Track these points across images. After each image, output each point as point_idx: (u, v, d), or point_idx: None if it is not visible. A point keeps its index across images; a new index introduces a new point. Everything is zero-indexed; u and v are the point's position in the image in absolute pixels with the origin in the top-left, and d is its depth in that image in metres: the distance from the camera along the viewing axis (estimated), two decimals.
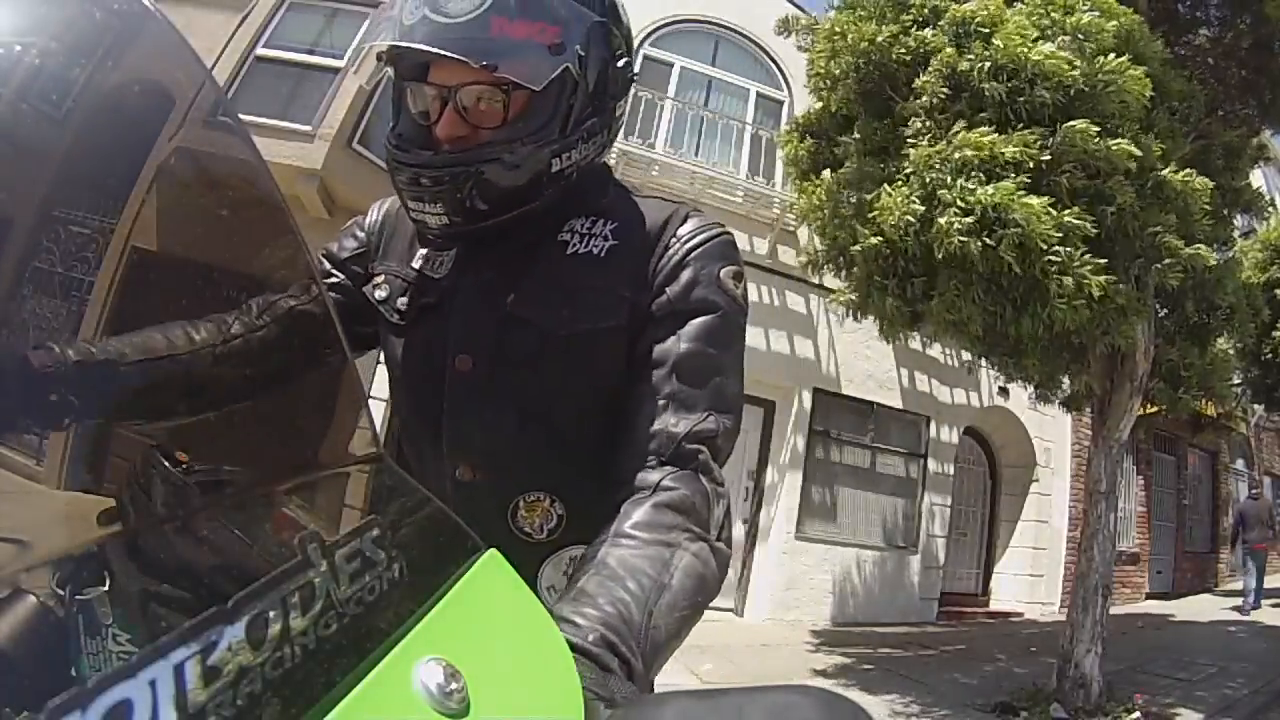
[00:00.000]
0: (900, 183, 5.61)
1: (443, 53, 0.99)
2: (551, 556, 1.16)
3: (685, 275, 1.11)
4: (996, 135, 5.31)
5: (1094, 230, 5.13)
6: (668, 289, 1.11)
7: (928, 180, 5.35)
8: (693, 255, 1.12)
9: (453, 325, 1.15)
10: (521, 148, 1.07)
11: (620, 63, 1.15)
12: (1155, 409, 8.61)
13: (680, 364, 1.07)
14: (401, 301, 1.22)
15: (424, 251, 1.24)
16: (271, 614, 0.50)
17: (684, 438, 1.05)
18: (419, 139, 1.11)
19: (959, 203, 5.14)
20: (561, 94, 1.07)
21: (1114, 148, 5.16)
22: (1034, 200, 5.04)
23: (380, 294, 1.24)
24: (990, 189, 5.09)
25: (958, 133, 5.43)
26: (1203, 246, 5.69)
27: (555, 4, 1.05)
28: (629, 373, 1.10)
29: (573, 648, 0.77)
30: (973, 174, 5.22)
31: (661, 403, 1.06)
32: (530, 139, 1.07)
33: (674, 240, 1.14)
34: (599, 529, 0.97)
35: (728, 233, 1.19)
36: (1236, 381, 11.62)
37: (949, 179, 5.25)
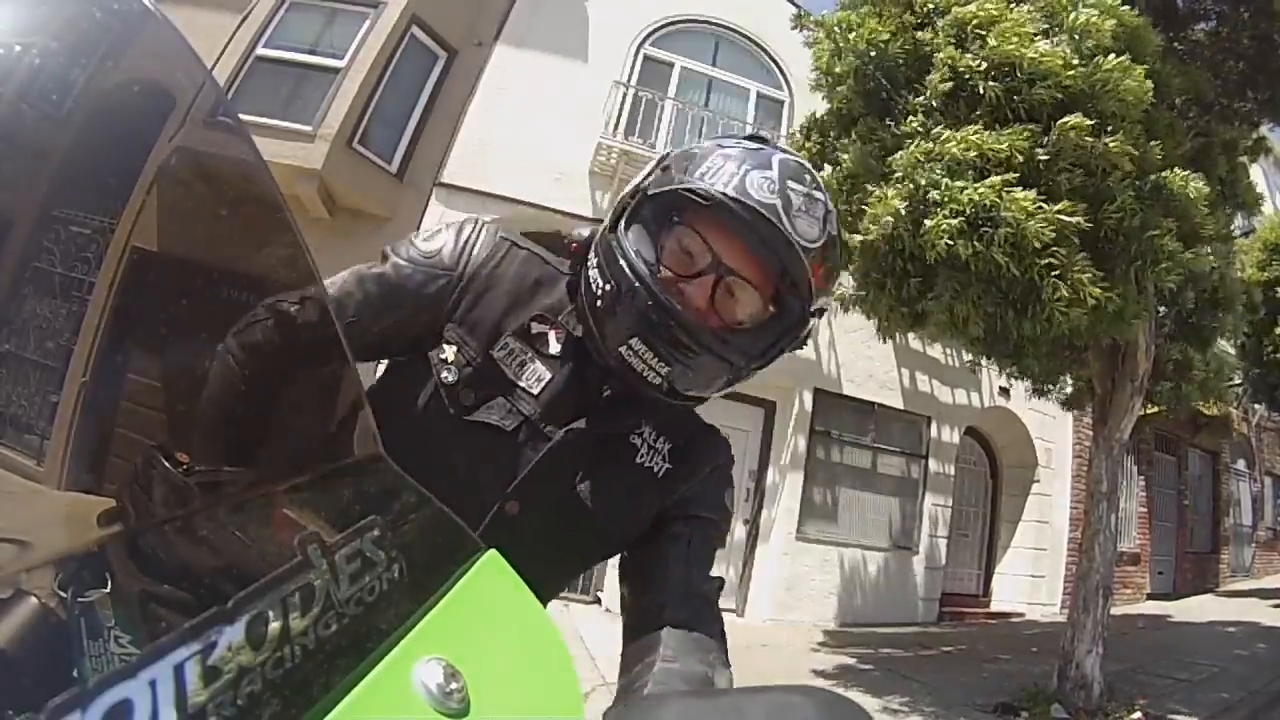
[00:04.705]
0: (892, 184, 5.61)
1: (795, 259, 1.06)
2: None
3: (710, 497, 1.30)
4: (986, 133, 5.31)
5: (1088, 225, 5.12)
6: (689, 502, 1.26)
7: (920, 182, 5.34)
8: (717, 483, 1.32)
9: (515, 464, 1.16)
10: (755, 355, 1.15)
11: (809, 335, 1.22)
12: (1156, 409, 8.62)
13: (694, 541, 1.23)
14: (467, 394, 1.15)
15: (511, 343, 1.17)
16: (271, 614, 0.50)
17: (699, 590, 1.19)
18: (670, 287, 1.09)
19: (948, 203, 5.14)
20: (793, 326, 1.15)
21: (1111, 146, 5.16)
22: (1020, 193, 5.03)
23: (448, 376, 1.15)
24: (976, 186, 5.08)
25: (942, 132, 5.43)
26: (1202, 251, 5.69)
27: (839, 267, 1.21)
28: (649, 545, 1.23)
29: None
30: (964, 173, 5.22)
31: (680, 562, 1.20)
32: (762, 350, 1.15)
33: (708, 473, 1.30)
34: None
35: (733, 458, 1.40)
36: (1237, 381, 11.64)
37: (939, 179, 5.25)
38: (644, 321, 1.05)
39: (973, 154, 5.21)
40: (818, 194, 1.09)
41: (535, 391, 1.15)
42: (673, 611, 1.11)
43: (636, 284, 1.06)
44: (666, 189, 1.11)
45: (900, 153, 5.64)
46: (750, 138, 1.18)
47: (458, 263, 1.18)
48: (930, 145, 5.43)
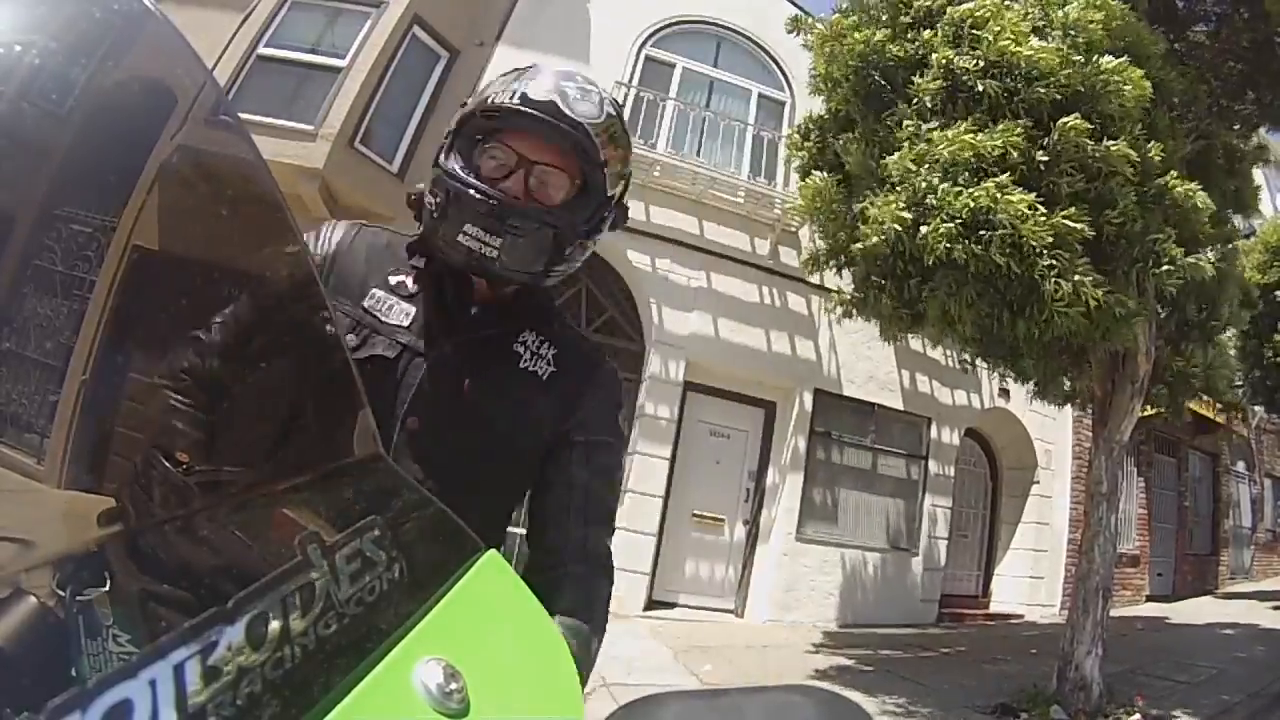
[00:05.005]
0: (888, 190, 5.61)
1: (589, 134, 1.29)
2: None
3: (600, 417, 1.46)
4: (980, 133, 5.31)
5: (1091, 233, 5.12)
6: (585, 425, 1.43)
7: (920, 186, 5.34)
8: (606, 401, 1.48)
9: (405, 384, 1.31)
10: (576, 226, 1.34)
11: (625, 202, 1.48)
12: (1156, 411, 8.61)
13: (595, 492, 1.42)
14: (350, 338, 1.30)
15: (377, 292, 1.36)
16: (271, 614, 0.50)
17: (594, 547, 1.40)
18: (493, 184, 1.31)
19: (944, 207, 5.14)
20: (604, 202, 1.39)
21: (1112, 149, 5.16)
22: (1016, 195, 5.03)
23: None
24: (971, 191, 5.08)
25: (930, 134, 5.44)
26: (1202, 256, 5.69)
27: (629, 139, 1.42)
28: (552, 480, 1.41)
29: None
30: (959, 176, 5.21)
31: (581, 517, 1.40)
32: (582, 223, 1.35)
33: (594, 388, 1.46)
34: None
35: (621, 379, 1.56)
36: (1238, 384, 11.65)
37: (935, 183, 5.25)
38: (471, 211, 1.26)
39: (968, 154, 5.21)
40: (590, 86, 1.34)
41: (406, 324, 1.34)
42: (571, 567, 1.35)
43: (462, 187, 1.28)
44: (467, 115, 1.36)
45: (894, 155, 5.64)
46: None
47: (319, 249, 1.39)
48: (924, 147, 5.43)
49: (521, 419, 1.38)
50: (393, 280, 1.37)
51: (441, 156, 1.36)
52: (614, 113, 1.36)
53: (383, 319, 1.34)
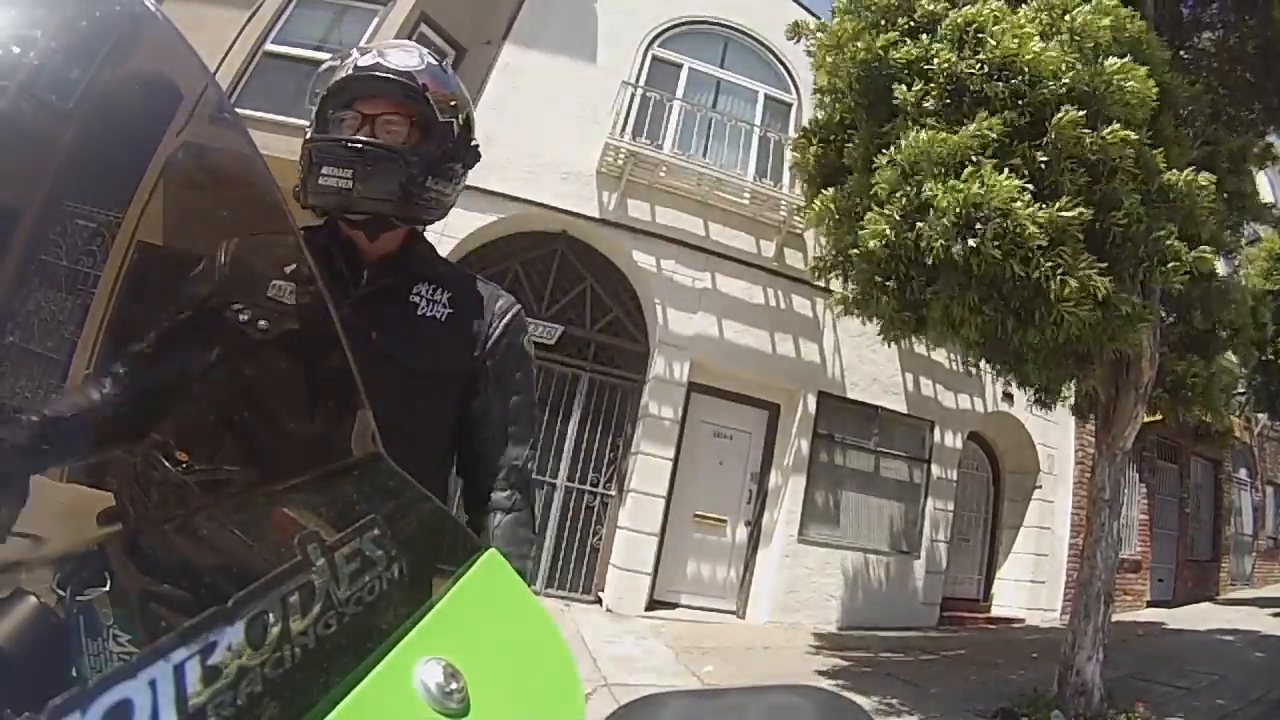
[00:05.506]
0: (880, 200, 5.62)
1: (404, 80, 1.53)
2: None
3: (505, 342, 1.65)
4: (950, 129, 5.33)
5: (1089, 219, 5.10)
6: (495, 353, 1.64)
7: (909, 195, 5.35)
8: (510, 328, 1.67)
9: None
10: (419, 159, 1.53)
11: (474, 143, 1.71)
12: (1158, 418, 8.59)
13: (514, 410, 1.65)
14: (263, 324, 1.39)
15: (275, 282, 1.42)
16: (271, 614, 0.50)
17: (522, 467, 1.65)
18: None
19: (936, 205, 5.14)
20: (444, 139, 1.60)
21: (1109, 136, 5.15)
22: (1003, 178, 5.02)
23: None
24: (955, 184, 5.08)
25: (895, 136, 5.47)
26: (1207, 249, 5.68)
27: (455, 82, 1.66)
28: (473, 413, 1.62)
29: None
30: (949, 174, 5.22)
31: (504, 438, 1.64)
32: (425, 155, 1.55)
33: (494, 317, 1.65)
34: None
35: (521, 306, 1.75)
36: (1240, 390, 11.62)
37: (924, 185, 5.27)
38: (323, 155, 1.49)
39: (940, 149, 5.23)
40: (410, 47, 1.60)
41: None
42: (497, 495, 1.60)
43: (316, 143, 1.52)
44: (321, 98, 1.57)
45: (879, 165, 5.66)
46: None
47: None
48: (909, 150, 5.43)
49: (430, 359, 1.54)
50: (289, 269, 1.49)
51: (306, 135, 1.57)
52: (434, 61, 1.61)
53: (285, 302, 1.45)
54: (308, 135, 1.56)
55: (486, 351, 1.62)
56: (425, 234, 1.74)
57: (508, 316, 1.67)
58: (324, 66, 1.63)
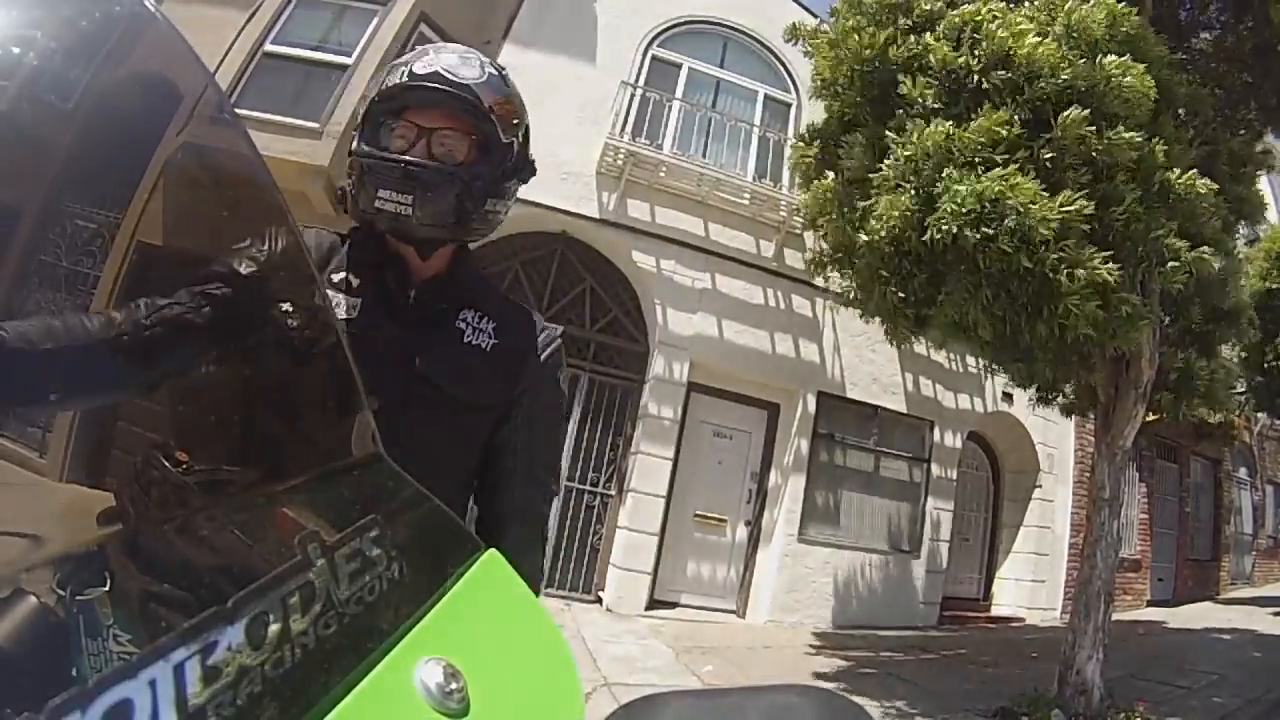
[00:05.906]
0: (892, 187, 5.62)
1: (466, 94, 1.43)
2: None
3: (542, 376, 1.62)
4: (965, 124, 5.33)
5: (1091, 211, 5.12)
6: (531, 385, 1.59)
7: (922, 178, 5.35)
8: (548, 363, 1.63)
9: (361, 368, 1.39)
10: (481, 182, 1.46)
11: (530, 158, 1.60)
12: (1158, 417, 8.59)
13: (540, 447, 1.62)
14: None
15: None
16: (271, 614, 0.50)
17: (542, 513, 1.65)
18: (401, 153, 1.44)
19: (949, 195, 5.14)
20: (505, 158, 1.51)
21: (1114, 139, 5.15)
22: (1025, 181, 5.04)
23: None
24: (979, 180, 5.08)
25: (900, 130, 5.46)
26: (1206, 250, 5.68)
27: (516, 93, 1.53)
28: (499, 441, 1.58)
29: None
30: (961, 168, 5.23)
31: (527, 474, 1.60)
32: (485, 176, 1.47)
33: (536, 350, 1.61)
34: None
35: (562, 339, 1.69)
36: (1240, 390, 11.62)
37: (936, 174, 5.27)
38: (382, 178, 1.40)
39: (943, 143, 5.24)
40: (470, 54, 1.48)
41: (351, 317, 1.44)
42: (510, 530, 1.55)
43: (371, 160, 1.42)
44: (371, 103, 1.48)
45: (890, 160, 5.65)
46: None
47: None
48: (918, 142, 5.44)
49: (473, 390, 1.51)
50: (335, 278, 1.48)
51: (353, 145, 1.48)
52: (495, 72, 1.51)
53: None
54: (354, 144, 1.48)
55: (522, 387, 1.59)
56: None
57: (549, 350, 1.64)
58: (386, 69, 1.54)
